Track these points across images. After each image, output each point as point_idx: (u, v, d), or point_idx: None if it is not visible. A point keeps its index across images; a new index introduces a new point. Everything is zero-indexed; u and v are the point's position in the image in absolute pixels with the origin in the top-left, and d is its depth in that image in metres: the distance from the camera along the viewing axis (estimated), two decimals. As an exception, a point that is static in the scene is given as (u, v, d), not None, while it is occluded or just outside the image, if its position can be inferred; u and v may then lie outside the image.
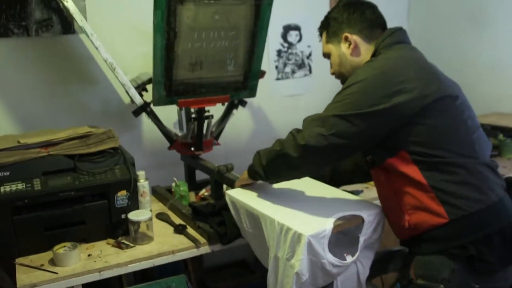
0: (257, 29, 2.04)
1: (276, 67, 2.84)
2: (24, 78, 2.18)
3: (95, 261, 1.68)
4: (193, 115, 2.11)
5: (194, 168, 2.31)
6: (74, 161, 1.81)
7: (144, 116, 2.13)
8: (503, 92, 2.84)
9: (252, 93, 2.24)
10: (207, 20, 1.90)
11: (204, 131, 2.15)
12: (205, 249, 1.80)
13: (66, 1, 1.96)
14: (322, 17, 1.73)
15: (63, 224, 1.77)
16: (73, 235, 1.77)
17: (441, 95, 1.44)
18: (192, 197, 2.23)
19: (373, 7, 1.64)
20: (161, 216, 2.03)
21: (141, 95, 2.11)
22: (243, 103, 2.38)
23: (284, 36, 2.83)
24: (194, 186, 2.33)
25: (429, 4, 3.18)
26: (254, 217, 1.59)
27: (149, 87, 2.12)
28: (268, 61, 2.77)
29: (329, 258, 1.42)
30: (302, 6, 2.85)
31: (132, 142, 2.35)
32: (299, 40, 2.88)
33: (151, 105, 2.08)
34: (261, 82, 2.26)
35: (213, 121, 2.21)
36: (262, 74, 2.25)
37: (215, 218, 1.84)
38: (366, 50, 1.61)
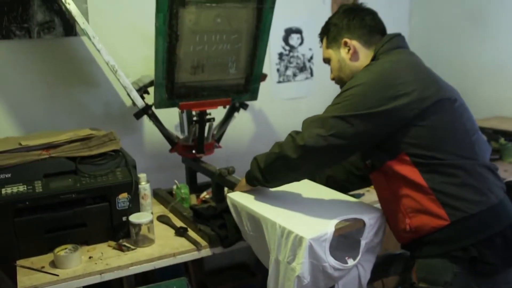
0: (259, 32, 2.04)
1: (278, 70, 2.84)
2: (26, 80, 2.18)
3: (96, 264, 1.67)
4: (195, 118, 2.11)
5: (195, 170, 2.32)
6: (75, 163, 1.81)
7: (145, 118, 2.13)
8: (505, 96, 2.84)
9: (254, 96, 2.24)
10: (209, 23, 1.90)
11: (206, 134, 2.15)
12: (206, 251, 1.80)
13: (68, 3, 1.97)
14: (323, 21, 1.74)
15: (64, 226, 1.77)
16: (74, 237, 1.77)
17: (440, 97, 1.45)
18: (193, 199, 2.23)
19: (373, 14, 1.66)
20: (162, 219, 2.03)
21: (143, 98, 2.11)
22: (245, 106, 2.38)
23: (286, 39, 2.84)
24: (195, 188, 2.33)
25: (430, 8, 3.19)
26: (255, 220, 1.59)
27: (151, 89, 2.12)
28: (270, 64, 2.78)
29: (330, 261, 1.42)
30: (304, 10, 2.86)
31: (133, 144, 2.36)
32: (301, 43, 2.89)
33: (153, 108, 2.08)
34: (263, 85, 2.26)
35: (215, 124, 2.21)
36: (263, 77, 2.26)
37: (216, 221, 1.84)
38: (365, 55, 1.62)
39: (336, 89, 1.65)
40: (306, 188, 1.79)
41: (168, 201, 2.16)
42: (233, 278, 2.68)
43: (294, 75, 2.90)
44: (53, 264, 1.66)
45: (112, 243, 1.81)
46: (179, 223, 1.98)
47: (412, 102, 1.41)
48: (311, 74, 2.96)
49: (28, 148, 1.79)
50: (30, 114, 2.20)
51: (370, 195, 2.18)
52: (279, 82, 2.86)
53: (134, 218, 1.79)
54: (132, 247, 1.77)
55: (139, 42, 2.34)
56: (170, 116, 2.26)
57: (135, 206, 1.87)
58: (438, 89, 1.47)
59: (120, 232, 1.84)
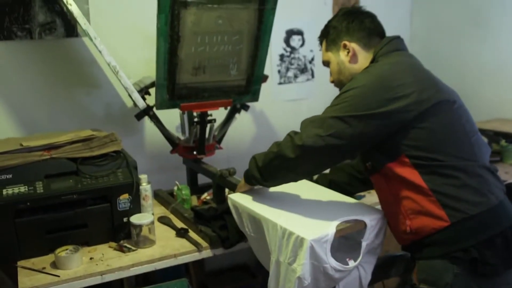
0: (260, 33, 2.04)
1: (279, 71, 2.84)
2: (27, 81, 2.18)
3: (97, 264, 1.68)
4: (196, 119, 2.11)
5: (196, 172, 2.32)
6: (76, 164, 1.81)
7: (146, 119, 2.13)
8: (506, 97, 2.84)
9: (255, 98, 2.24)
10: (211, 24, 1.90)
11: (207, 135, 2.15)
12: (207, 253, 1.80)
13: (70, 4, 1.97)
14: (324, 22, 1.74)
15: (65, 227, 1.77)
16: (75, 238, 1.77)
17: (439, 99, 1.46)
18: (194, 201, 2.24)
19: (372, 16, 1.66)
20: (163, 220, 2.03)
21: (144, 99, 2.12)
22: (246, 107, 2.38)
23: (287, 41, 2.84)
24: (196, 190, 2.33)
25: (432, 10, 3.19)
26: (256, 221, 1.59)
27: (152, 90, 2.12)
28: (271, 65, 2.78)
29: (331, 262, 1.42)
30: (305, 11, 2.86)
31: (134, 145, 2.36)
32: (302, 45, 2.89)
33: (154, 109, 2.08)
34: (264, 87, 2.27)
35: (216, 125, 2.21)
36: (264, 78, 2.26)
37: (217, 222, 1.84)
38: (364, 58, 1.63)
39: (336, 91, 1.65)
40: (307, 189, 1.79)
41: (169, 202, 2.17)
42: (234, 279, 2.68)
43: (295, 76, 2.90)
44: (54, 265, 1.66)
45: (113, 244, 1.81)
46: (180, 224, 1.98)
47: (411, 104, 1.42)
48: (312, 75, 2.96)
49: (29, 149, 1.79)
50: (31, 115, 2.21)
51: (371, 196, 2.17)
52: (280, 83, 2.86)
53: (135, 219, 1.79)
54: (133, 248, 1.77)
55: (140, 43, 2.34)
56: (171, 117, 2.26)
57: (136, 207, 1.87)
58: (437, 91, 1.47)
59: (121, 233, 1.84)
